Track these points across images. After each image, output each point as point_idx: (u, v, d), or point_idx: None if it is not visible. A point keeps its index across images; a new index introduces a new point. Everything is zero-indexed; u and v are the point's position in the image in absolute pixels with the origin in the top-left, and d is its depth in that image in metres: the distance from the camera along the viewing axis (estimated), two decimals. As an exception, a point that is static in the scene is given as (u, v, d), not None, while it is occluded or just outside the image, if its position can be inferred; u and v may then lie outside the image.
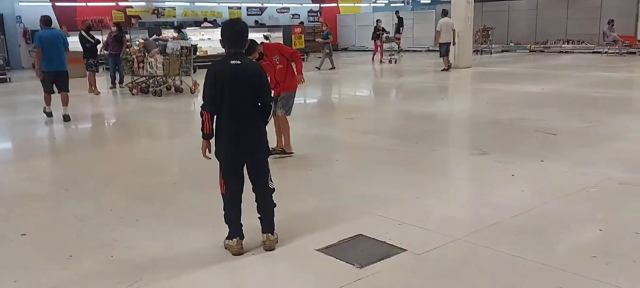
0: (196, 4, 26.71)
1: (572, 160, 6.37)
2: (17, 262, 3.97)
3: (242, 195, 4.00)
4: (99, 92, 13.67)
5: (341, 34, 31.69)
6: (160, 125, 10.42)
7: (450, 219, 4.61)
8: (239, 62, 3.85)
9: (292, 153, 6.73)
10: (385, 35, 22.02)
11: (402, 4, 35.24)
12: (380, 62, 21.39)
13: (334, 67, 19.43)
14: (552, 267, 3.64)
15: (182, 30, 18.62)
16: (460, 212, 4.83)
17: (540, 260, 3.74)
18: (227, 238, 4.00)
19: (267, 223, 4.03)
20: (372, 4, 33.56)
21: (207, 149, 3.95)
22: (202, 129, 3.91)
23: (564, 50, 23.63)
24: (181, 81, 13.46)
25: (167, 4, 26.12)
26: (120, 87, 14.45)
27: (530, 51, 24.58)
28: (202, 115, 3.89)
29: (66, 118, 9.97)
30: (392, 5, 34.23)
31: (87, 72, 14.05)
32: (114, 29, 14.64)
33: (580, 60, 20.40)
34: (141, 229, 4.58)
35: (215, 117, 3.89)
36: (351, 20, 31.36)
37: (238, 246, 3.95)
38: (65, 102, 10.04)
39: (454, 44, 17.45)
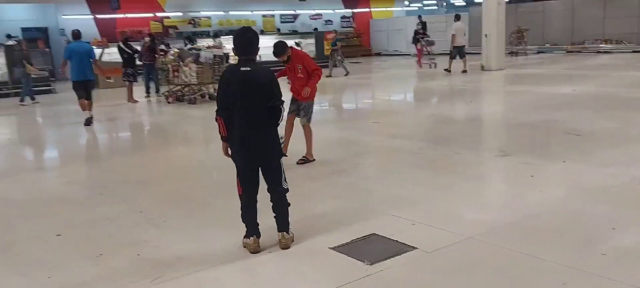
0: (231, 13, 27.26)
1: (596, 161, 6.35)
2: (51, 259, 4.27)
3: (258, 196, 4.20)
4: (137, 101, 14.16)
5: (374, 38, 31.79)
6: (193, 132, 10.75)
7: (464, 219, 4.70)
8: (249, 68, 4.05)
9: (313, 160, 6.89)
10: (426, 39, 21.39)
11: (436, 8, 35.11)
12: (420, 66, 20.90)
13: (348, 73, 19.35)
14: (560, 264, 3.71)
15: (194, 39, 18.61)
16: (475, 212, 4.90)
17: (550, 258, 3.81)
18: (244, 237, 4.21)
19: (282, 222, 4.22)
20: (405, 8, 33.53)
21: (227, 149, 4.18)
22: (220, 133, 4.14)
23: (601, 51, 23.13)
24: (214, 89, 13.82)
25: (203, 13, 26.74)
26: (157, 96, 14.90)
27: (567, 52, 24.14)
28: (217, 120, 4.12)
29: (89, 122, 10.82)
30: (425, 8, 34.14)
31: (125, 82, 14.55)
32: (147, 39, 15.11)
33: (618, 60, 19.95)
34: (168, 230, 4.83)
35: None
36: (384, 24, 31.41)
37: (255, 244, 4.15)
38: (89, 107, 10.88)
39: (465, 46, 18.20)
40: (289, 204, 4.27)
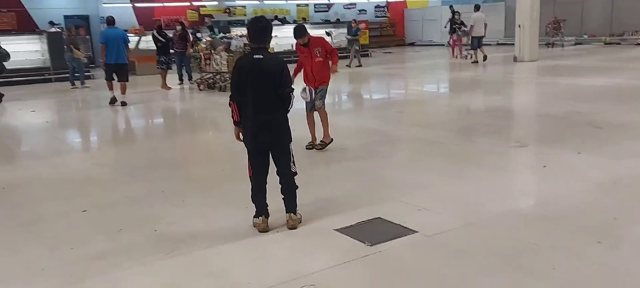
0: (265, 2, 27.53)
1: (610, 153, 6.34)
2: (75, 233, 4.58)
3: (268, 179, 4.42)
4: (169, 88, 14.57)
5: (408, 28, 31.62)
6: (221, 118, 11.00)
7: (470, 205, 4.82)
8: (261, 56, 4.26)
9: (331, 140, 7.06)
10: (463, 28, 20.63)
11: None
12: (455, 57, 20.57)
13: (361, 65, 19.21)
14: (553, 250, 3.81)
15: (214, 29, 18.88)
16: (482, 199, 4.99)
17: (545, 244, 3.91)
18: (254, 216, 4.43)
19: (290, 204, 4.43)
20: (441, -2, 33.18)
21: (240, 133, 4.41)
22: (232, 117, 4.37)
23: (640, 42, 22.51)
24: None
25: (238, 2, 27.10)
26: (189, 83, 15.29)
27: (605, 43, 23.57)
28: (230, 105, 4.34)
29: (123, 104, 11.66)
30: (461, -2, 33.71)
31: (159, 69, 14.99)
32: (178, 28, 15.49)
33: (658, 51, 19.44)
34: (185, 209, 5.10)
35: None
36: (419, 14, 31.19)
37: (263, 224, 4.37)
38: (123, 91, 11.77)
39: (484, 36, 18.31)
40: (296, 187, 4.47)
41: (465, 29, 20.63)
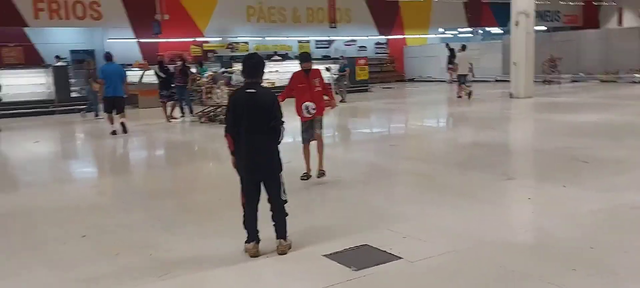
0: (267, 38, 28.10)
1: (594, 187, 6.54)
2: (75, 257, 4.79)
3: (260, 206, 4.64)
4: (171, 121, 14.89)
5: (407, 65, 32.15)
6: (221, 149, 11.16)
7: (454, 234, 5.01)
8: (254, 90, 4.53)
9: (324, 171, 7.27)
10: (469, 65, 19.80)
11: (471, 35, 35.24)
12: (458, 97, 19.50)
13: (344, 101, 18.85)
14: (528, 276, 4.01)
15: (202, 64, 18.53)
16: (466, 229, 5.18)
17: (520, 270, 4.11)
18: (245, 242, 4.64)
19: (280, 230, 4.64)
20: (440, 35, 33.80)
21: (235, 162, 4.65)
22: (229, 147, 4.62)
23: (636, 80, 22.86)
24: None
25: (240, 38, 27.66)
26: (190, 116, 15.60)
27: (601, 81, 23.95)
28: (225, 136, 4.60)
29: (125, 131, 12.37)
30: (460, 35, 34.32)
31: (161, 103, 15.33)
32: (178, 63, 15.90)
33: (652, 90, 19.76)
34: (181, 236, 5.31)
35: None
36: (418, 51, 31.76)
37: (254, 249, 4.58)
38: (120, 118, 12.48)
39: (471, 75, 19.24)
40: (286, 214, 4.68)
41: (471, 65, 20.59)
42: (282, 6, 27.98)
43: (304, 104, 6.79)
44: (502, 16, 29.50)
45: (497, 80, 26.06)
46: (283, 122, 4.59)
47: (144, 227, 5.64)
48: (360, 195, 6.67)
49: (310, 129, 7.10)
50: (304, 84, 7.01)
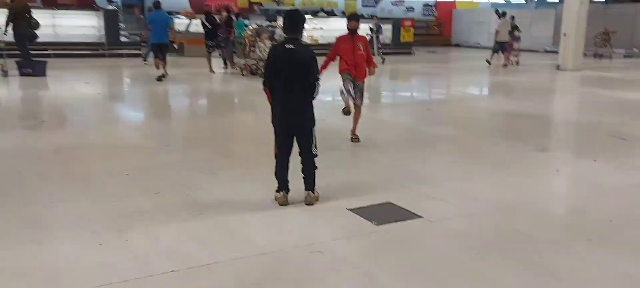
0: (314, -7, 28.06)
1: (627, 163, 6.53)
2: (118, 192, 5.16)
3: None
4: (214, 71, 15.24)
5: (455, 29, 31.57)
6: (260, 101, 11.55)
7: (476, 198, 5.16)
8: (292, 46, 4.71)
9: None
10: (516, 33, 19.77)
11: (525, 2, 34.25)
12: (504, 65, 19.28)
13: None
14: (542, 241, 4.15)
15: (238, 18, 17.86)
16: (490, 194, 5.32)
17: (536, 235, 4.25)
18: (276, 190, 4.90)
19: (309, 182, 4.89)
20: (492, 1, 32.97)
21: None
22: (268, 101, 4.86)
23: (694, 59, 21.96)
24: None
25: (287, -8, 27.68)
26: (230, 68, 15.83)
27: (656, 58, 23.10)
28: (264, 90, 4.83)
29: (162, 77, 12.96)
30: (513, 2, 33.41)
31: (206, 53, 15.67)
32: (224, 14, 16.10)
33: None
34: (216, 178, 5.64)
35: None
36: (467, 15, 31.10)
37: (283, 198, 4.84)
38: (163, 66, 13.16)
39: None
40: (316, 168, 4.91)
41: (519, 34, 20.22)
42: (332, -38, 27.80)
43: (341, 87, 6.88)
44: (558, -17, 28.55)
45: (546, 51, 25.44)
46: (318, 79, 4.77)
47: (183, 168, 5.98)
48: (391, 156, 6.84)
49: (350, 86, 7.17)
50: (348, 46, 7.11)
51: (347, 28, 7.09)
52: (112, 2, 21.84)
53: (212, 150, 7.04)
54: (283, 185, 4.89)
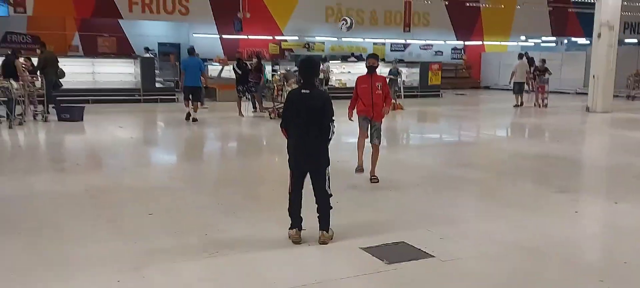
0: (343, 39, 28.55)
1: (648, 205, 6.48)
2: (140, 231, 5.39)
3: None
4: (243, 115, 15.64)
5: (484, 71, 31.56)
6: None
7: (490, 240, 5.21)
8: (308, 91, 4.97)
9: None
10: (547, 75, 19.67)
11: (554, 44, 34.13)
12: (537, 104, 19.40)
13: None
14: (558, 282, 4.17)
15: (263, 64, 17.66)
16: (505, 235, 5.36)
17: (548, 277, 4.28)
18: (289, 228, 5.07)
19: (323, 222, 5.04)
20: (521, 44, 32.94)
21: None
22: (285, 135, 5.12)
23: None
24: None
25: (317, 38, 28.29)
26: (258, 112, 16.22)
27: (691, 100, 22.61)
28: (281, 130, 5.08)
29: (194, 120, 13.71)
30: (543, 44, 33.33)
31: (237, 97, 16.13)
32: (254, 60, 16.63)
33: None
34: (236, 219, 5.83)
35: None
36: (496, 58, 31.10)
37: (297, 235, 5.00)
38: (195, 109, 13.94)
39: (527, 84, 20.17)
40: (331, 207, 5.07)
41: (549, 76, 20.06)
42: (361, 8, 28.31)
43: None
44: (588, 26, 28.38)
45: (577, 93, 25.18)
46: (333, 120, 4.98)
47: (205, 209, 6.19)
48: (411, 197, 6.94)
49: (366, 124, 7.36)
50: (366, 85, 7.30)
51: (366, 66, 7.29)
52: (150, 50, 22.69)
53: (236, 191, 7.25)
54: (296, 222, 5.05)
